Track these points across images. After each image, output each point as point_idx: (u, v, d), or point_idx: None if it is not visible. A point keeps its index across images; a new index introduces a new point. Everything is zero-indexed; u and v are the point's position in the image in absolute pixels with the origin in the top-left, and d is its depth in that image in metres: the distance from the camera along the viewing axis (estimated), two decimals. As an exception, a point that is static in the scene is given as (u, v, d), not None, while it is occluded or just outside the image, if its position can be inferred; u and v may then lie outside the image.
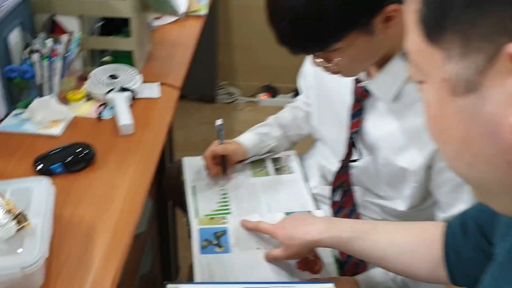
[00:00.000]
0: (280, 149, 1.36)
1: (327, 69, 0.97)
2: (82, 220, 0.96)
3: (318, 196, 1.25)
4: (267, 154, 1.35)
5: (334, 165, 1.20)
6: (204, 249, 1.10)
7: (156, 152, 1.17)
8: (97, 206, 1.00)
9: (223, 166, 1.27)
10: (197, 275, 1.06)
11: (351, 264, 1.13)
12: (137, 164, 1.12)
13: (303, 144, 1.42)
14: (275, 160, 1.35)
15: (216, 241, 1.11)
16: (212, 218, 1.16)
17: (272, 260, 1.05)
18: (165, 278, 1.69)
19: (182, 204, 1.30)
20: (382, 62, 0.99)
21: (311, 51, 0.93)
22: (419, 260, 0.85)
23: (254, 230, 1.09)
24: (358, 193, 1.16)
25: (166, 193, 1.42)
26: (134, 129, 1.22)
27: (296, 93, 2.97)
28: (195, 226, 1.14)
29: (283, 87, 3.02)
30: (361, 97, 1.06)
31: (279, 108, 1.42)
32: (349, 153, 1.12)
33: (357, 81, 1.06)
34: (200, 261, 1.08)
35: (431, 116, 0.49)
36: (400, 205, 1.08)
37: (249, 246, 1.10)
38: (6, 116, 1.23)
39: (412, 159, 0.99)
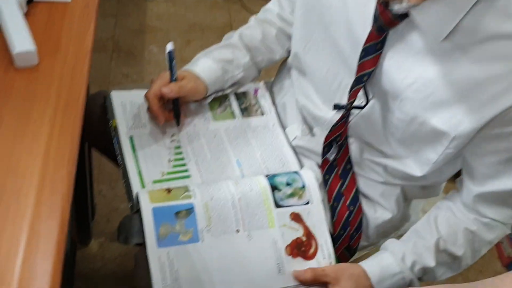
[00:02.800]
0: (246, 81, 1.01)
1: None
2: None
3: (300, 149, 0.95)
4: (231, 89, 0.99)
5: (319, 108, 0.91)
6: (162, 239, 0.77)
7: (80, 90, 0.77)
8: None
9: (174, 109, 0.90)
10: (155, 276, 0.75)
11: (345, 237, 0.90)
12: (51, 116, 0.72)
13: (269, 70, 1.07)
14: (241, 97, 1.00)
15: (179, 225, 0.79)
16: (169, 192, 0.81)
17: None
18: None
19: (110, 154, 0.94)
20: None
21: None
22: None
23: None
24: (353, 148, 0.89)
25: (87, 139, 1.02)
26: (39, 57, 0.78)
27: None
28: (146, 205, 0.79)
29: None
30: (387, 25, 0.73)
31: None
32: (353, 98, 0.82)
33: (384, 2, 0.72)
34: (159, 257, 0.76)
35: None
36: (413, 169, 0.83)
37: (225, 229, 0.80)
38: None
39: (455, 121, 0.72)
